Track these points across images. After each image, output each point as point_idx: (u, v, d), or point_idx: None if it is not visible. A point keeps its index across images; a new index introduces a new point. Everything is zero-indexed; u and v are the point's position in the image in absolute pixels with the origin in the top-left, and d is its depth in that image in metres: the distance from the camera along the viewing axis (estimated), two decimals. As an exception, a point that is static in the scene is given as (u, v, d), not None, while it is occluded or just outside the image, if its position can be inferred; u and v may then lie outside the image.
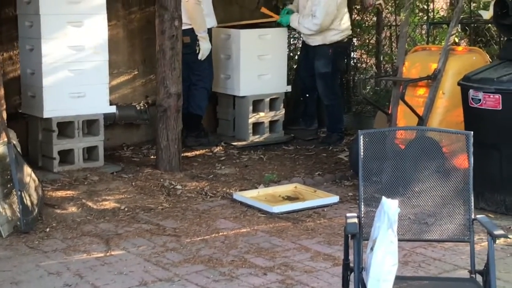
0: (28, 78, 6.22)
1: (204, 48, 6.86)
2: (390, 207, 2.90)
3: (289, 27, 7.41)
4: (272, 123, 7.41)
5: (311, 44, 7.33)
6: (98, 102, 6.25)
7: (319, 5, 7.06)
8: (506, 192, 5.19)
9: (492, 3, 5.60)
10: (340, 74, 7.78)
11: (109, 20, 6.36)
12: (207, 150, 7.00)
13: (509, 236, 4.62)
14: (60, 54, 6.06)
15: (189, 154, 6.83)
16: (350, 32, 7.41)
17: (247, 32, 7.21)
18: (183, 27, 6.42)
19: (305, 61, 7.45)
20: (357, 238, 3.13)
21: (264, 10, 7.49)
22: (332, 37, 7.23)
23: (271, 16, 7.44)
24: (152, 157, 6.64)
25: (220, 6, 7.36)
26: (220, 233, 4.92)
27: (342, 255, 4.28)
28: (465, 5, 6.84)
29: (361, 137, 3.31)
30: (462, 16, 6.53)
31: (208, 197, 5.69)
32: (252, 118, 7.26)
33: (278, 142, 7.35)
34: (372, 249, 2.92)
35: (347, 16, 7.32)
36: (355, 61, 8.46)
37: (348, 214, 3.31)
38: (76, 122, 6.15)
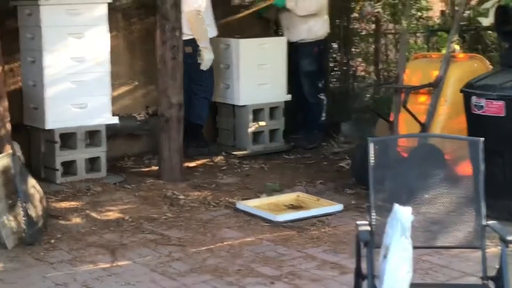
0: (30, 90, 6.22)
1: (207, 58, 6.85)
2: (403, 214, 2.90)
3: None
4: (272, 132, 7.41)
5: (293, 40, 7.36)
6: (100, 113, 6.26)
7: None
8: (509, 198, 5.20)
9: (493, 10, 5.63)
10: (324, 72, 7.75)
11: (109, 31, 6.37)
12: (208, 159, 6.99)
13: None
14: (62, 65, 6.08)
15: (190, 164, 6.83)
16: (329, 29, 7.49)
17: (246, 41, 7.22)
18: (185, 37, 6.45)
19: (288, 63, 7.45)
20: (370, 245, 3.13)
21: None
22: (318, 31, 7.29)
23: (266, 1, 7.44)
24: (153, 167, 6.64)
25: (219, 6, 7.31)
26: (225, 243, 4.91)
27: (349, 263, 4.32)
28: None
29: (372, 144, 3.31)
30: (461, 23, 6.56)
31: (211, 206, 5.69)
32: (252, 127, 7.26)
33: (278, 151, 7.35)
34: (385, 256, 2.93)
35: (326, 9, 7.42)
36: (353, 69, 8.49)
37: (358, 222, 3.32)
38: (79, 133, 6.16)
